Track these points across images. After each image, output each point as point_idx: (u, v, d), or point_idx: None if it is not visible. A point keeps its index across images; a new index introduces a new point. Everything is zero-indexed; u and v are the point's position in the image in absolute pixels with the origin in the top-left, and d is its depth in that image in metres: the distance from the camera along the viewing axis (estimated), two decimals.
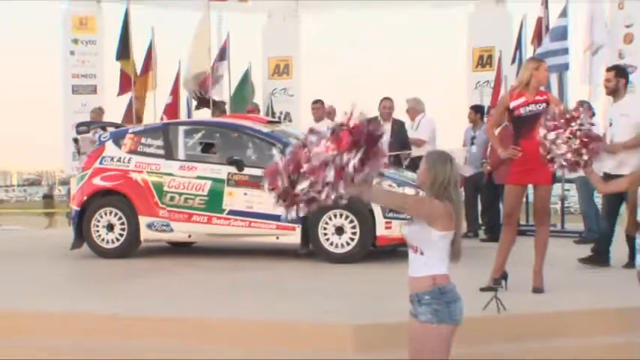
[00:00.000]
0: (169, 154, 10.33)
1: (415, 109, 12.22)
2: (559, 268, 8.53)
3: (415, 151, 11.75)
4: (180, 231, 10.14)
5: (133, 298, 7.70)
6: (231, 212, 9.91)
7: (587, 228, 11.12)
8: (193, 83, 15.40)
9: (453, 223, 4.48)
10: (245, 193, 9.86)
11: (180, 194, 10.06)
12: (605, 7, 12.60)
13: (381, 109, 11.68)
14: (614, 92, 8.83)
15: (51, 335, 6.65)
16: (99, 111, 14.25)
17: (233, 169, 9.93)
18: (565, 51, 12.29)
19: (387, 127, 11.49)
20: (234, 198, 9.91)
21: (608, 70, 9.10)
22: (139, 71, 15.48)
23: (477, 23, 15.59)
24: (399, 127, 11.73)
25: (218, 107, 14.20)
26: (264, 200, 9.68)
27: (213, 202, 9.96)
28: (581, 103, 11.19)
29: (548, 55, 12.02)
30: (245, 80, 16.50)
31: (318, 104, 12.62)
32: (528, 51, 13.33)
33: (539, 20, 13.04)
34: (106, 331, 6.67)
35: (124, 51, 15.33)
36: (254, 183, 9.79)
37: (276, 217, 9.68)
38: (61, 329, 6.71)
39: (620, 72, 8.88)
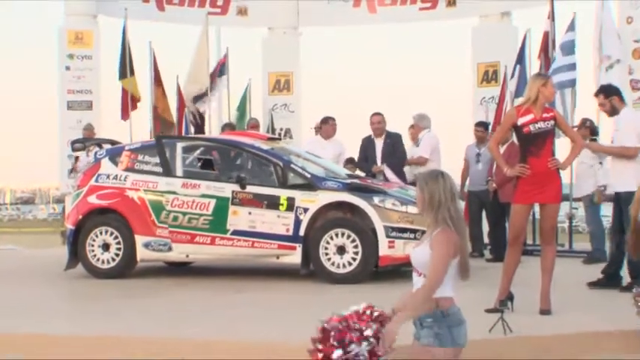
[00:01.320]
0: (168, 171, 10.10)
1: (419, 125, 12.01)
2: (567, 288, 8.44)
3: (420, 170, 11.52)
4: (181, 252, 9.93)
5: (129, 319, 7.59)
6: (235, 232, 9.67)
7: (595, 248, 10.96)
8: (192, 104, 15.27)
9: (458, 251, 4.53)
10: (249, 212, 9.62)
11: (184, 213, 9.82)
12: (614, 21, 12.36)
13: (371, 126, 11.55)
14: (613, 112, 8.57)
15: (46, 357, 6.46)
16: (90, 127, 14.21)
17: (237, 187, 9.68)
18: (573, 66, 12.06)
19: (379, 143, 11.46)
20: (239, 217, 9.66)
21: (596, 94, 8.74)
22: (148, 88, 15.19)
23: (482, 37, 15.35)
24: (393, 141, 11.54)
25: (228, 125, 14.05)
26: (267, 219, 9.50)
27: (218, 221, 9.70)
28: (585, 121, 11.07)
29: (560, 70, 11.84)
30: (244, 97, 16.42)
31: (332, 121, 12.33)
32: (534, 66, 13.08)
33: (546, 34, 12.78)
34: (102, 352, 6.51)
35: (124, 69, 15.06)
36: (258, 202, 9.57)
37: (278, 237, 9.51)
38: (56, 351, 6.53)
39: (608, 92, 8.59)
